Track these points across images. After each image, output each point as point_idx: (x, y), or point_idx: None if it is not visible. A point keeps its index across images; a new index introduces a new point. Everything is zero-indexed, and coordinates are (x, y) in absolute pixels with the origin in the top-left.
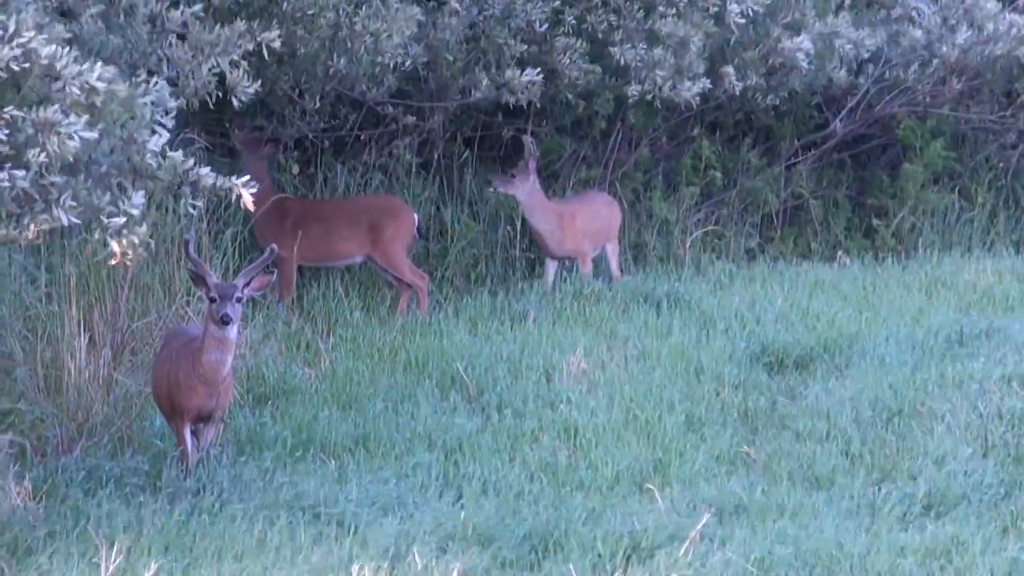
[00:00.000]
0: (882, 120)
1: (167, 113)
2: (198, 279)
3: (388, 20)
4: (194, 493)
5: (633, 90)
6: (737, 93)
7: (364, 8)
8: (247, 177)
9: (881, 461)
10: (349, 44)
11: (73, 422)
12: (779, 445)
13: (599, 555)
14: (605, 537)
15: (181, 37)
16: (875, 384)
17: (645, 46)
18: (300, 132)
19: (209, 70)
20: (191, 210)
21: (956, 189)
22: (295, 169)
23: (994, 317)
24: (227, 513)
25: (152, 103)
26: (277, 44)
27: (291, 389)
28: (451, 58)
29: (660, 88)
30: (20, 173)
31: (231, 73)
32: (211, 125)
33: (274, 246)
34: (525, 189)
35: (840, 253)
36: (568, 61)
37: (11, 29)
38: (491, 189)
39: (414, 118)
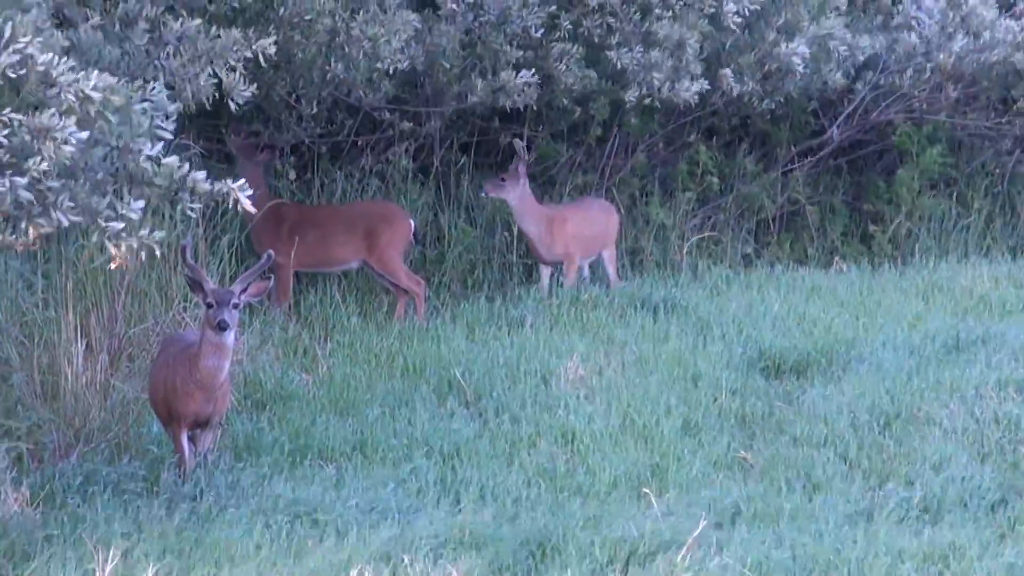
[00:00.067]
0: (878, 126)
1: (168, 117)
2: (195, 285)
3: (386, 24)
4: (191, 499)
5: (631, 95)
6: (735, 95)
7: (361, 13)
8: (243, 180)
9: (878, 466)
10: (346, 50)
11: (70, 428)
12: (776, 450)
13: (597, 560)
14: (603, 542)
15: (180, 40)
16: (872, 389)
17: (642, 49)
18: (297, 138)
19: (207, 78)
20: (190, 214)
21: (953, 195)
22: (292, 175)
23: (991, 323)
24: (224, 518)
25: (151, 109)
26: (272, 51)
27: (288, 395)
28: (447, 64)
29: (659, 90)
30: (21, 180)
31: (227, 77)
32: (207, 131)
33: (271, 252)
34: (516, 193)
35: (837, 259)
36: (564, 67)
37: (7, 35)
38: (482, 193)
39: (411, 124)
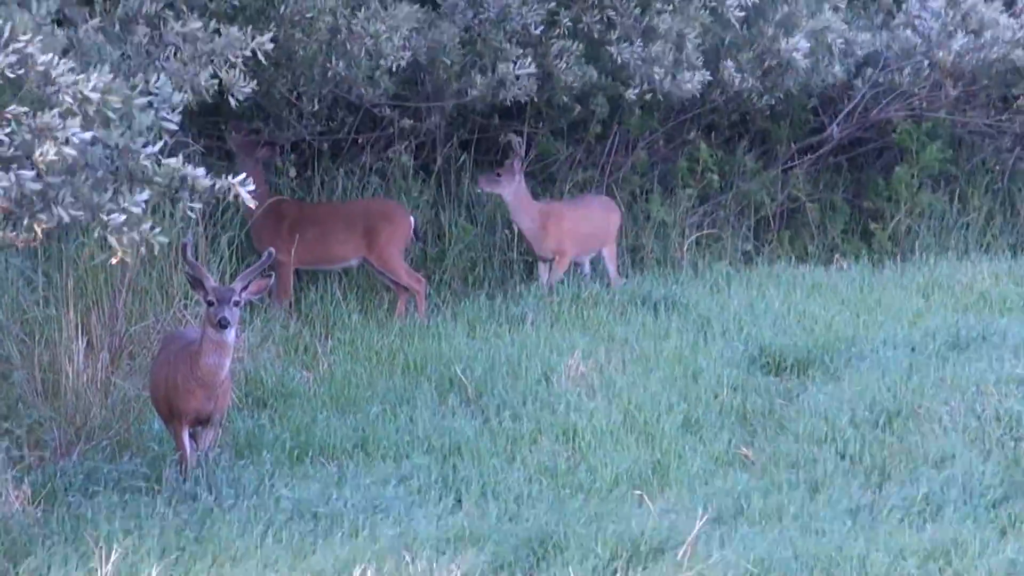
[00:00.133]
0: (878, 124)
1: (173, 109)
2: (196, 283)
3: (387, 21)
4: (193, 496)
5: (631, 92)
6: (737, 84)
7: (363, 10)
8: (243, 175)
9: (879, 463)
10: (348, 47)
11: (71, 426)
12: (777, 447)
13: (598, 558)
14: (604, 540)
15: (181, 40)
16: (873, 386)
17: (642, 44)
18: (297, 135)
19: (208, 78)
20: (190, 213)
21: (953, 192)
22: (292, 172)
23: (991, 320)
24: (226, 516)
25: (158, 101)
26: (270, 47)
27: (289, 392)
28: (448, 60)
29: (661, 83)
30: (28, 174)
31: (227, 74)
32: (207, 129)
33: (272, 250)
34: (511, 189)
35: (837, 256)
36: (564, 65)
37: (6, 34)
38: (477, 188)
39: (411, 121)
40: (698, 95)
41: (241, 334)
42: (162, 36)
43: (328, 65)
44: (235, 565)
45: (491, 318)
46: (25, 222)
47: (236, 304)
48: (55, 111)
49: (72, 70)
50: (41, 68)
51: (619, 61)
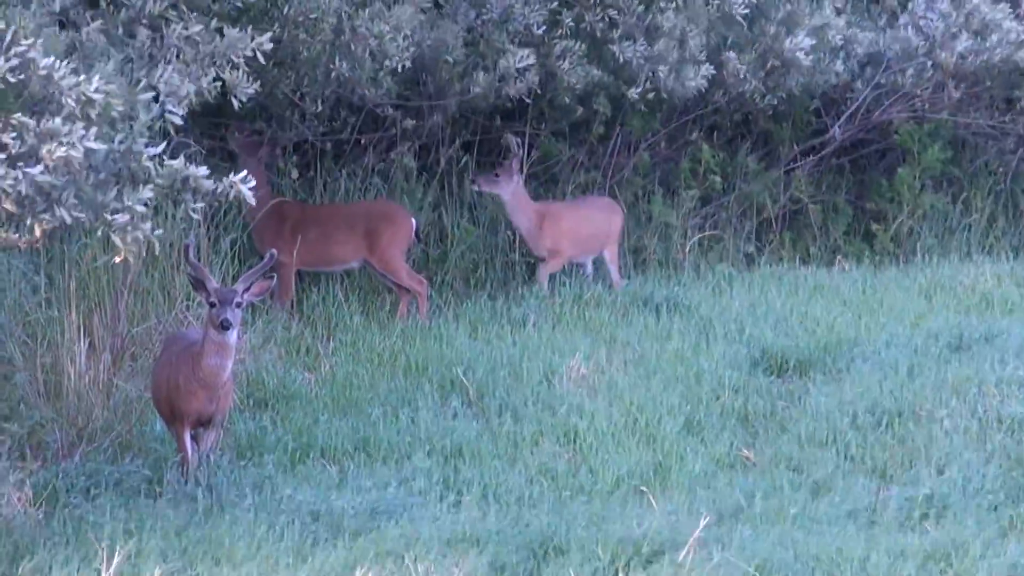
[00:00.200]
0: (881, 125)
1: (180, 102)
2: (198, 284)
3: (391, 21)
4: (194, 498)
5: (634, 91)
6: (740, 76)
7: (367, 11)
8: (244, 173)
9: (881, 465)
10: (352, 48)
11: (73, 427)
12: (779, 449)
13: (600, 560)
14: (606, 542)
15: (184, 42)
16: (874, 388)
17: (645, 43)
18: (300, 136)
19: (210, 82)
20: (193, 215)
21: (956, 194)
22: (294, 173)
23: (993, 321)
24: (227, 518)
25: (165, 92)
26: (269, 47)
27: (291, 394)
28: (451, 60)
29: (664, 81)
30: (34, 170)
31: (230, 75)
32: (210, 130)
33: (274, 251)
34: (509, 189)
35: (839, 258)
36: (567, 65)
37: (8, 39)
38: (474, 188)
39: (414, 121)
40: (704, 90)
41: (243, 335)
42: (164, 39)
43: (332, 66)
44: (236, 567)
45: (493, 320)
46: (28, 222)
47: (238, 305)
48: (59, 119)
49: (74, 71)
50: (43, 72)
51: (621, 60)
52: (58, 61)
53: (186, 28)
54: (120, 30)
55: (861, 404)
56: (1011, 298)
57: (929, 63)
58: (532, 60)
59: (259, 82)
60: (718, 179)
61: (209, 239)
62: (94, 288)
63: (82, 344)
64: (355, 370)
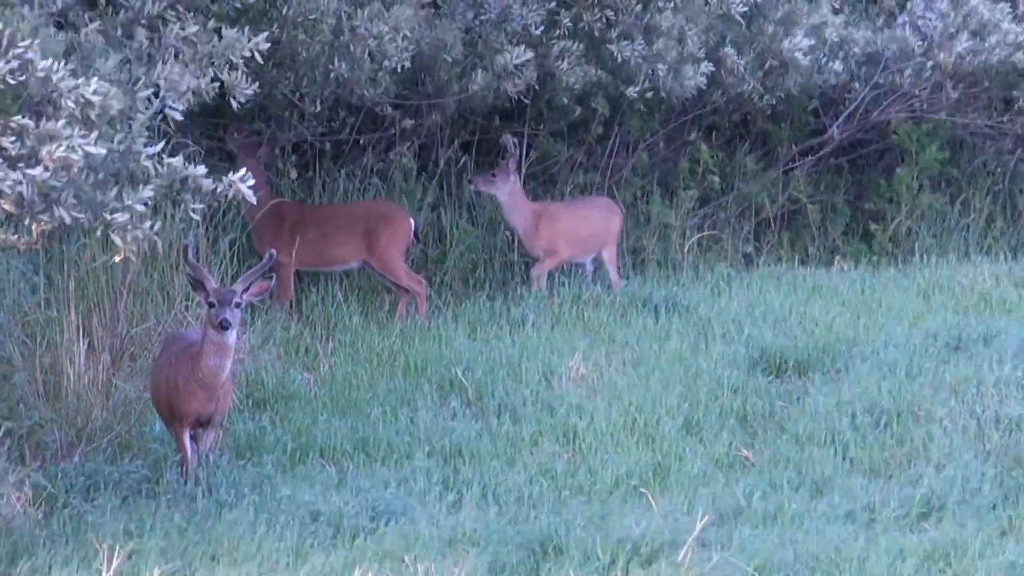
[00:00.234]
0: (879, 125)
1: (180, 96)
2: (197, 284)
3: (390, 22)
4: (193, 498)
5: (632, 90)
6: (739, 72)
7: (366, 11)
8: (243, 170)
9: (879, 465)
10: (351, 48)
11: (72, 427)
12: (778, 449)
13: (599, 560)
14: (605, 542)
15: (181, 42)
16: (873, 388)
17: (643, 43)
18: (299, 136)
19: (210, 80)
20: (192, 215)
21: (954, 194)
22: (293, 174)
23: (992, 321)
24: (227, 518)
25: (165, 87)
26: (265, 47)
27: (290, 394)
28: (449, 59)
29: (663, 80)
30: (34, 172)
31: (229, 76)
32: (209, 130)
33: (273, 251)
34: (505, 189)
35: (838, 258)
36: (566, 66)
37: (5, 41)
38: (472, 188)
39: (413, 121)
40: (704, 87)
41: (242, 336)
42: (162, 40)
43: (331, 66)
44: (236, 567)
45: (492, 320)
46: (27, 222)
47: (237, 306)
48: (60, 122)
49: (73, 73)
50: (41, 74)
51: (619, 59)
52: (56, 63)
53: (183, 28)
54: (119, 31)
55: (860, 404)
56: (1009, 298)
57: (928, 63)
58: (530, 56)
59: (258, 83)
60: (717, 179)
61: (208, 239)
62: (93, 288)
63: (81, 344)
64: (354, 370)
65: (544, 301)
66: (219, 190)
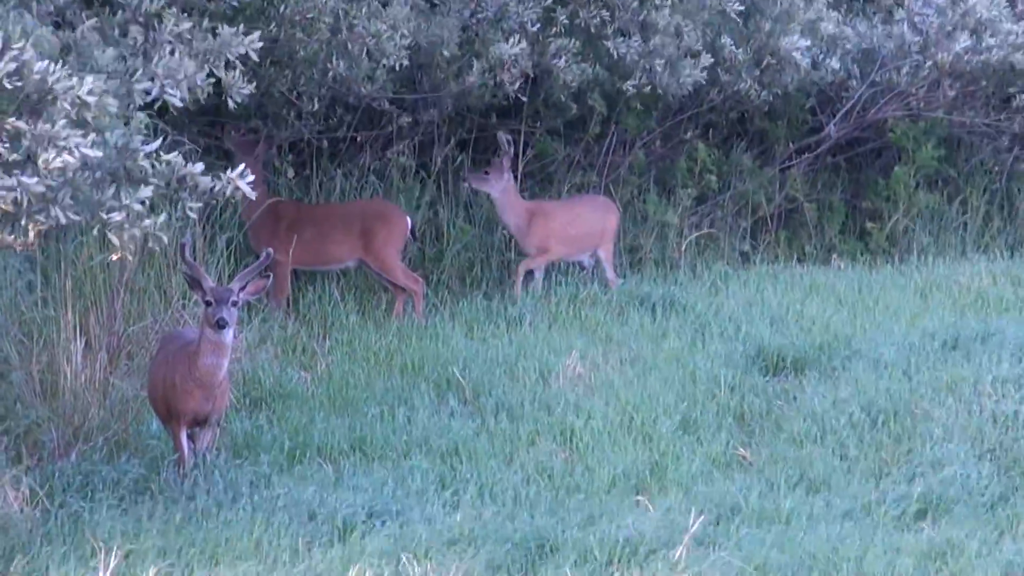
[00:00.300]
0: (876, 123)
1: (178, 84)
2: (194, 283)
3: (387, 20)
4: (190, 497)
5: (629, 84)
6: (737, 68)
7: (364, 9)
8: (241, 168)
9: (877, 464)
10: (349, 47)
11: (69, 426)
12: (775, 448)
13: (596, 559)
14: (601, 541)
15: (176, 38)
16: (870, 387)
17: (639, 40)
18: (296, 134)
19: (204, 78)
20: (190, 213)
21: (951, 193)
22: (290, 172)
23: (989, 320)
24: (224, 517)
25: (163, 75)
26: (259, 46)
27: (287, 393)
28: (446, 53)
29: (660, 77)
30: (30, 181)
31: (227, 75)
32: (206, 129)
33: (270, 250)
34: (499, 187)
35: (835, 256)
36: (563, 64)
37: (0, 44)
38: (464, 185)
39: (410, 119)
40: (703, 82)
41: (239, 334)
42: (156, 38)
43: (329, 65)
44: (233, 566)
45: (489, 319)
46: (23, 222)
47: (234, 304)
48: (57, 124)
49: (69, 75)
50: (37, 76)
51: (616, 56)
52: (52, 64)
53: (177, 25)
54: (116, 31)
55: (857, 403)
56: (1006, 297)
57: (927, 63)
58: (524, 45)
59: (255, 82)
60: (714, 178)
61: (205, 238)
62: (90, 287)
63: (78, 343)
64: (351, 369)
65: (541, 300)
66: (217, 188)
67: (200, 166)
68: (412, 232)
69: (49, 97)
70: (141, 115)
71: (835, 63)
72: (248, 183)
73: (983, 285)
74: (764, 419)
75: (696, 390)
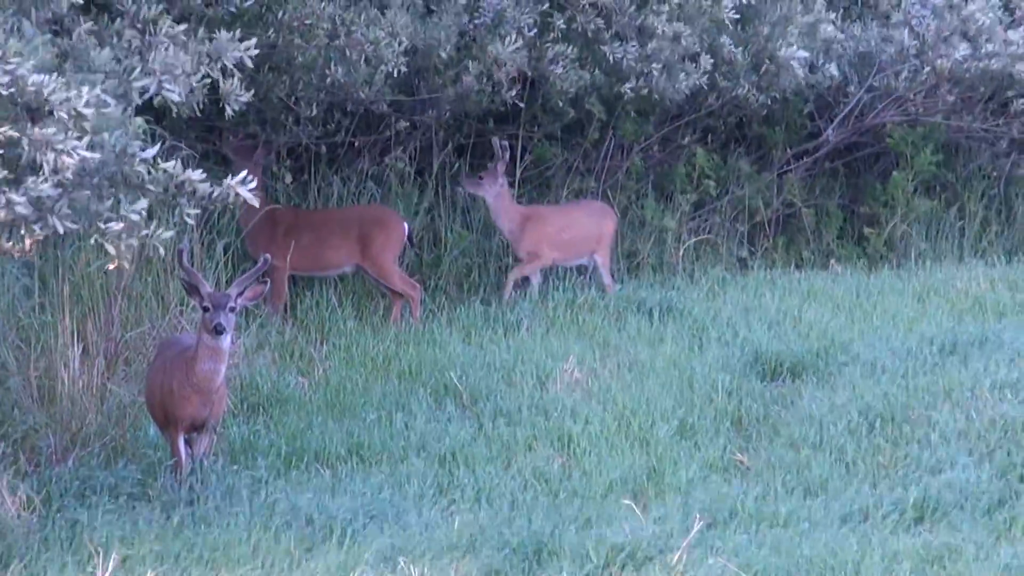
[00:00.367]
0: (874, 129)
1: (175, 79)
2: (191, 289)
3: (386, 27)
4: (188, 502)
5: (627, 87)
6: (735, 68)
7: (362, 16)
8: (243, 174)
9: (874, 468)
10: (347, 53)
11: (67, 432)
12: (772, 453)
13: (593, 564)
14: (598, 545)
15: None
16: (868, 392)
17: (636, 45)
18: (294, 139)
19: (201, 79)
20: (187, 219)
21: (949, 198)
22: (288, 178)
23: (986, 325)
24: (221, 522)
25: (160, 71)
26: (254, 53)
27: (285, 398)
28: (444, 55)
29: (656, 81)
30: (19, 199)
31: (224, 83)
32: (203, 134)
33: (268, 256)
34: (492, 191)
35: (832, 261)
36: (560, 70)
37: None
38: (459, 189)
39: (408, 123)
40: (703, 86)
41: (236, 340)
42: (152, 41)
43: (327, 71)
44: (230, 571)
45: (486, 324)
46: (21, 231)
47: (232, 310)
48: (53, 130)
49: (66, 85)
50: (32, 88)
51: (612, 60)
52: (47, 77)
53: (173, 27)
54: (114, 39)
55: (855, 407)
56: (1004, 302)
57: (925, 67)
58: (520, 44)
59: (253, 88)
60: (712, 183)
61: (203, 244)
62: (88, 293)
63: (76, 349)
64: (349, 374)
65: (538, 305)
66: (216, 194)
67: (199, 173)
68: (409, 238)
69: (45, 108)
70: (139, 120)
71: (833, 68)
72: (250, 189)
73: (981, 290)
74: (762, 424)
75: (694, 395)
